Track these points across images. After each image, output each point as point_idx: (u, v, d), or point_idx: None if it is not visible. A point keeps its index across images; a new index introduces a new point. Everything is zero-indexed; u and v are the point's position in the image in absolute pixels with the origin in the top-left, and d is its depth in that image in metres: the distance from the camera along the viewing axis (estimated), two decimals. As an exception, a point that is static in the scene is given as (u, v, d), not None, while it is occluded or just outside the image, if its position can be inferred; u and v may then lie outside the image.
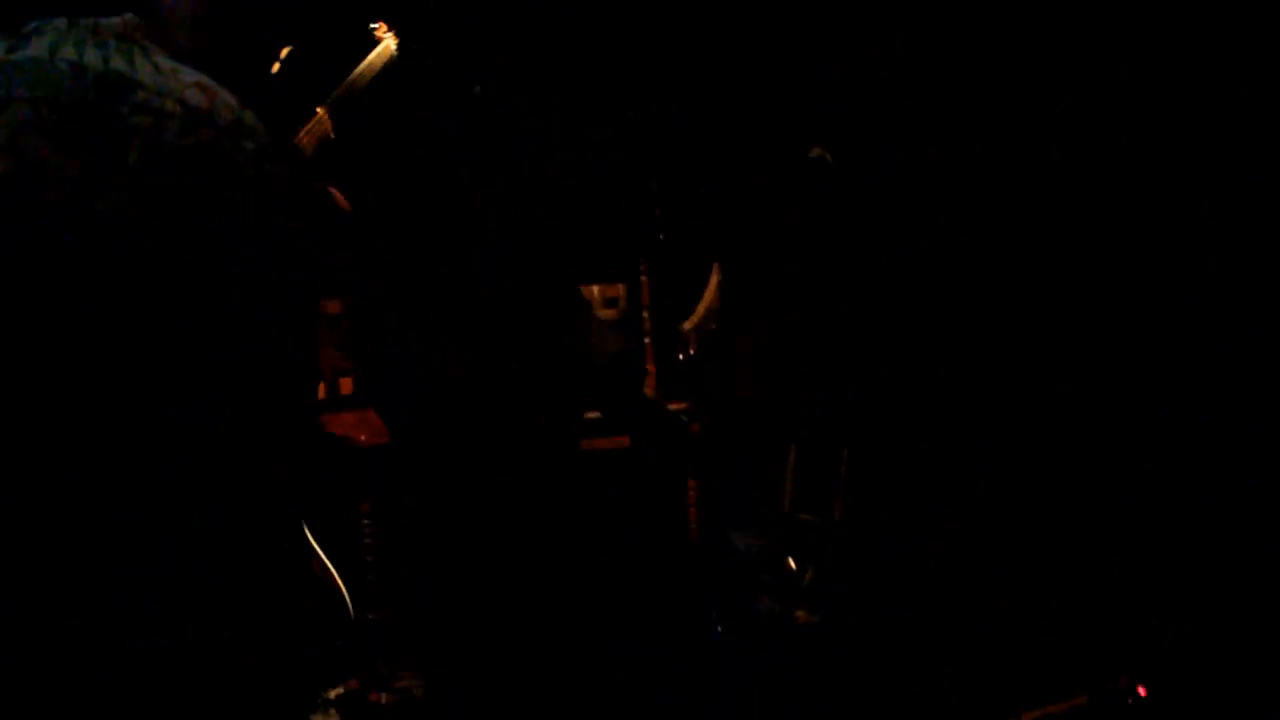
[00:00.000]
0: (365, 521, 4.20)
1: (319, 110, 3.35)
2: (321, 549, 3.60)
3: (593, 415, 3.85)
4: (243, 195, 1.57)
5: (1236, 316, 3.49)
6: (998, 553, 3.68)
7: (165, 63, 1.63)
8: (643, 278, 3.99)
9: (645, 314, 3.89)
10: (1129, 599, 3.46)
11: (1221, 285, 3.52)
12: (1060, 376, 3.70)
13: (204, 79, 1.61)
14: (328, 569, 3.46)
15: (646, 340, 3.78)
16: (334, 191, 3.39)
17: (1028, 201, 3.83)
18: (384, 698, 4.17)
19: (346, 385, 4.74)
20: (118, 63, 1.59)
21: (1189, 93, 3.57)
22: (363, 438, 4.21)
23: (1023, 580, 3.62)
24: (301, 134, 3.31)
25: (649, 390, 3.68)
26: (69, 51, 1.56)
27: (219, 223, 1.55)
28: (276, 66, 3.14)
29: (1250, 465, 3.39)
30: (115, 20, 1.66)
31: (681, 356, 3.64)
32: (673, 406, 3.71)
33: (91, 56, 1.57)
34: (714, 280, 3.71)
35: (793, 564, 3.61)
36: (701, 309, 3.67)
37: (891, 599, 3.65)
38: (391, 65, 3.44)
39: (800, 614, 3.51)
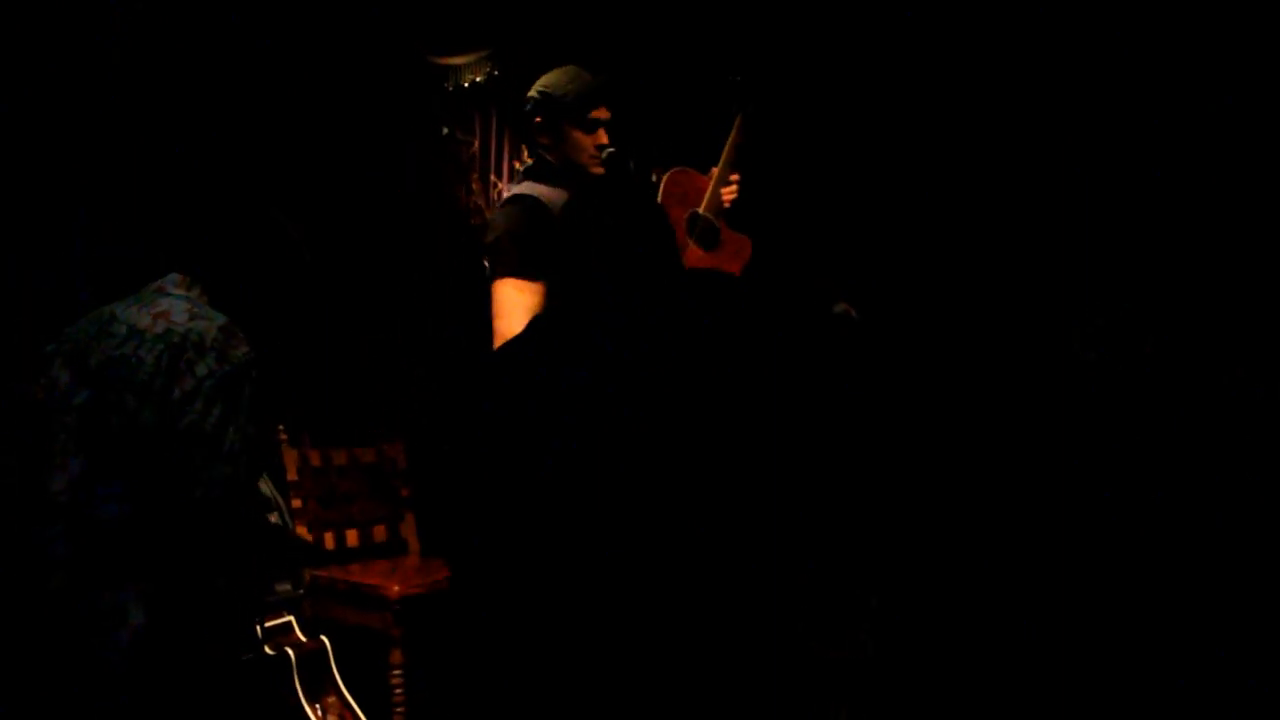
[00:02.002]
0: (397, 672, 4.20)
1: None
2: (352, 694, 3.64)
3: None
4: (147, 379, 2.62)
5: (1236, 316, 3.45)
6: (998, 552, 3.64)
7: (163, 301, 2.76)
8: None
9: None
10: (1128, 599, 3.41)
11: (1221, 285, 3.49)
12: (1061, 376, 3.66)
13: (217, 322, 2.73)
14: None
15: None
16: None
17: (1028, 201, 3.82)
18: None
19: (380, 533, 4.77)
20: (120, 307, 2.75)
21: (1189, 92, 3.56)
22: (396, 588, 4.22)
23: (1022, 580, 3.57)
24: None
25: None
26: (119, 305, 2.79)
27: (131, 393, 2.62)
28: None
29: (1250, 465, 3.35)
30: (165, 279, 2.84)
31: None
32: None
33: (120, 305, 2.78)
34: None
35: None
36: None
37: (892, 599, 3.60)
38: None
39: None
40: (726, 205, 3.66)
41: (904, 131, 4.00)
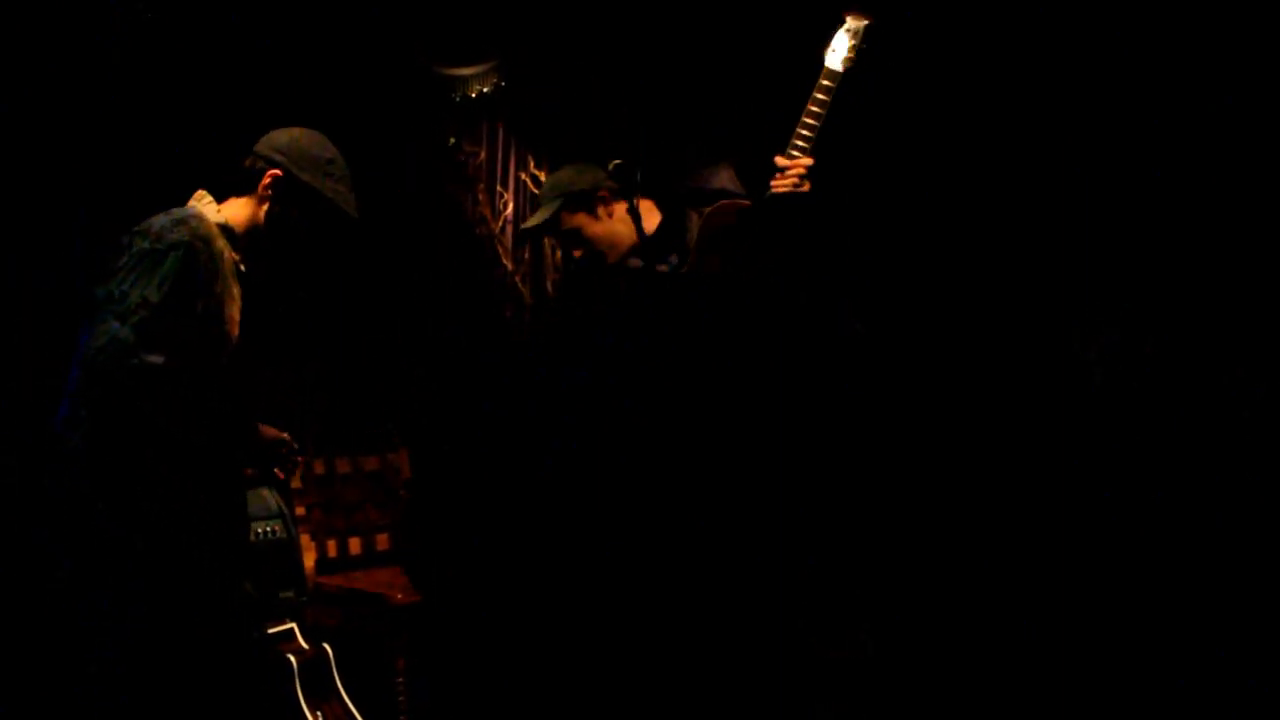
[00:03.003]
0: (399, 679, 4.20)
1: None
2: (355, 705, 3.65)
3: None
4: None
5: (1236, 316, 3.45)
6: (997, 552, 3.62)
7: (179, 211, 3.06)
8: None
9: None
10: (1127, 598, 3.40)
11: (1221, 285, 3.49)
12: (1062, 377, 3.66)
13: (177, 215, 3.02)
14: None
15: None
16: None
17: (1028, 202, 3.81)
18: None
19: (383, 541, 4.77)
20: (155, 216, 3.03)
21: (1189, 92, 3.56)
22: (398, 595, 4.22)
23: (1022, 580, 3.56)
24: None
25: None
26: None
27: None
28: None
29: (1250, 465, 3.34)
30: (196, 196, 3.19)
31: None
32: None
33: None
34: None
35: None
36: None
37: (892, 603, 3.59)
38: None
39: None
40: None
41: (902, 133, 4.00)
